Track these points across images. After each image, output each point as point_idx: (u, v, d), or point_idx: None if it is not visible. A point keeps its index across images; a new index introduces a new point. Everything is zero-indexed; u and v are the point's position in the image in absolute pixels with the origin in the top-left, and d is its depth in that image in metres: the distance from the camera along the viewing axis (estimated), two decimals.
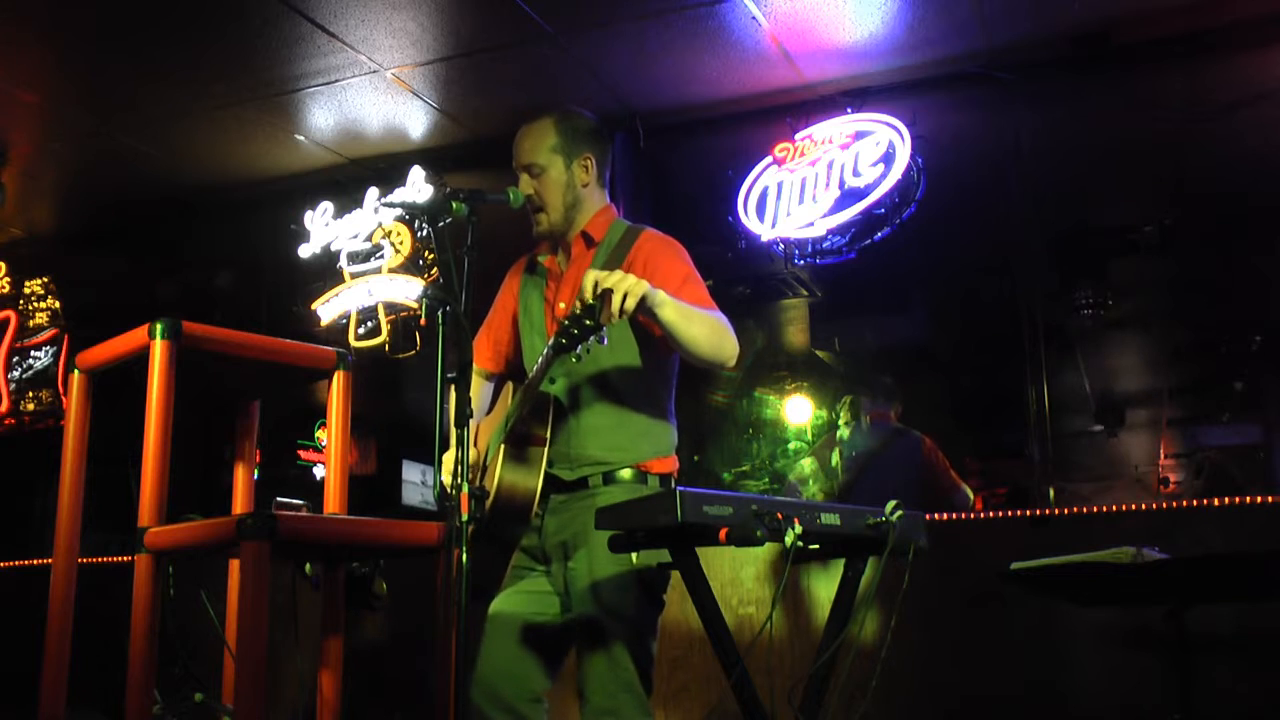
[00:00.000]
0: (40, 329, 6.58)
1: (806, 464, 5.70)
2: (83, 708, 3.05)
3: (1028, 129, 4.78)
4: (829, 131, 4.98)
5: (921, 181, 4.81)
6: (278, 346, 2.65)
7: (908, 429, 5.28)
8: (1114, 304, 5.58)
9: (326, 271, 5.89)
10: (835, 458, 5.46)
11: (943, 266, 5.64)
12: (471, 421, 2.20)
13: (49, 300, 6.60)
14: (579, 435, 2.56)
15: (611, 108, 5.13)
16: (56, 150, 5.68)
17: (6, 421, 6.54)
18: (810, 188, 4.96)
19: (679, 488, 2.02)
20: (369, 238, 5.79)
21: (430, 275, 5.61)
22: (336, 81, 4.99)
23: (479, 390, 2.82)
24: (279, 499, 2.65)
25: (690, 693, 4.17)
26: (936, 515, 3.98)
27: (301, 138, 5.54)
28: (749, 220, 5.08)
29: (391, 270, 5.71)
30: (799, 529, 2.09)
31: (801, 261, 5.07)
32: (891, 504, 2.30)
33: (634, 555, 2.26)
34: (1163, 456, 8.07)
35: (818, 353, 6.97)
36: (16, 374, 6.58)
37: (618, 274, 2.22)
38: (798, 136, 5.04)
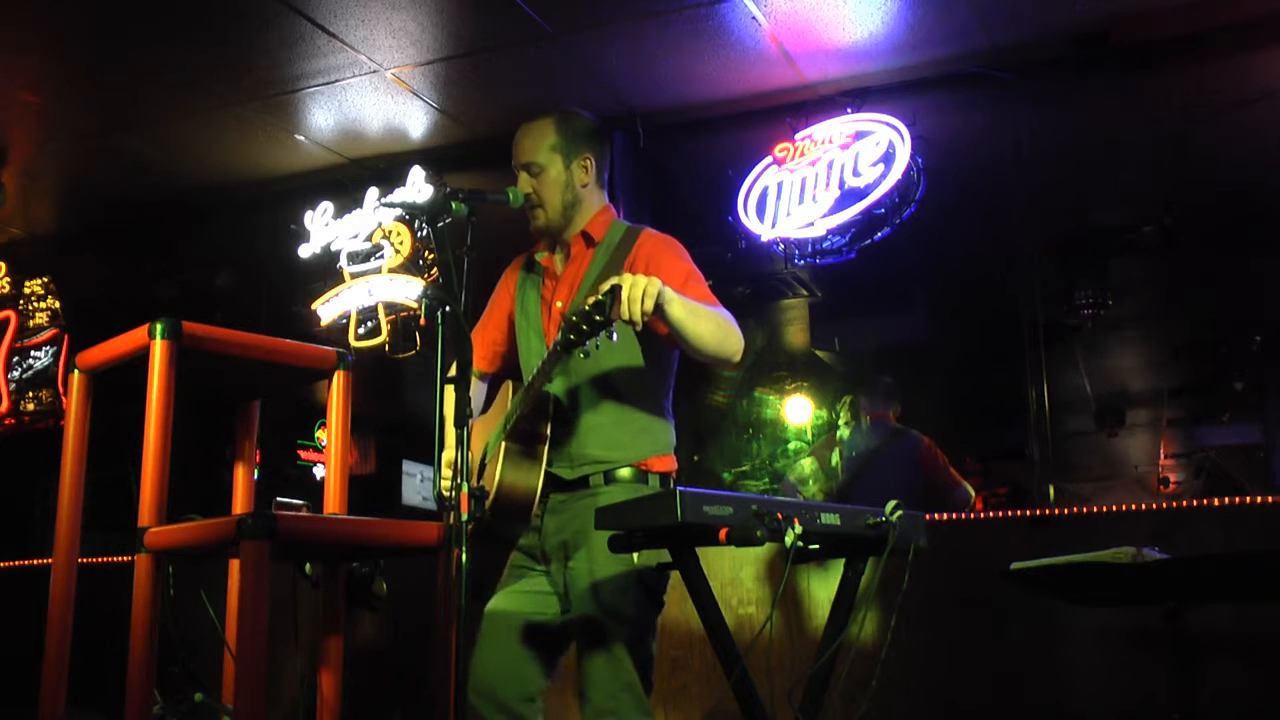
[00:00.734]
0: (40, 329, 6.58)
1: (806, 464, 5.70)
2: (83, 708, 3.05)
3: (1028, 129, 4.78)
4: (829, 131, 4.98)
5: (921, 181, 4.81)
6: (278, 346, 2.65)
7: (906, 429, 5.28)
8: (1114, 304, 5.59)
9: (326, 271, 5.89)
10: (835, 458, 5.46)
11: (943, 267, 5.65)
12: (470, 421, 2.20)
13: (49, 300, 6.59)
14: (579, 434, 2.56)
15: (611, 108, 5.13)
16: (56, 150, 5.68)
17: (6, 421, 6.54)
18: (810, 188, 4.96)
19: (679, 487, 2.02)
20: (369, 238, 5.79)
21: (430, 275, 5.61)
22: (336, 81, 4.99)
23: (474, 390, 2.81)
24: (279, 499, 2.66)
25: (690, 693, 4.17)
26: (936, 515, 3.98)
27: (301, 138, 5.54)
28: (749, 220, 5.08)
29: (391, 270, 5.71)
30: (799, 529, 2.09)
31: (801, 261, 5.07)
32: (891, 504, 2.30)
33: (634, 555, 2.26)
34: (1163, 456, 8.09)
35: (818, 353, 6.98)
36: (16, 374, 6.58)
37: (630, 276, 2.22)
38: (798, 136, 5.04)
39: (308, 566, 2.72)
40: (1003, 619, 3.84)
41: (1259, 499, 3.74)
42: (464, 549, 2.03)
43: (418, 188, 5.58)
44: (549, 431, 2.52)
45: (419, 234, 5.67)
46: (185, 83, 4.99)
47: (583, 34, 4.64)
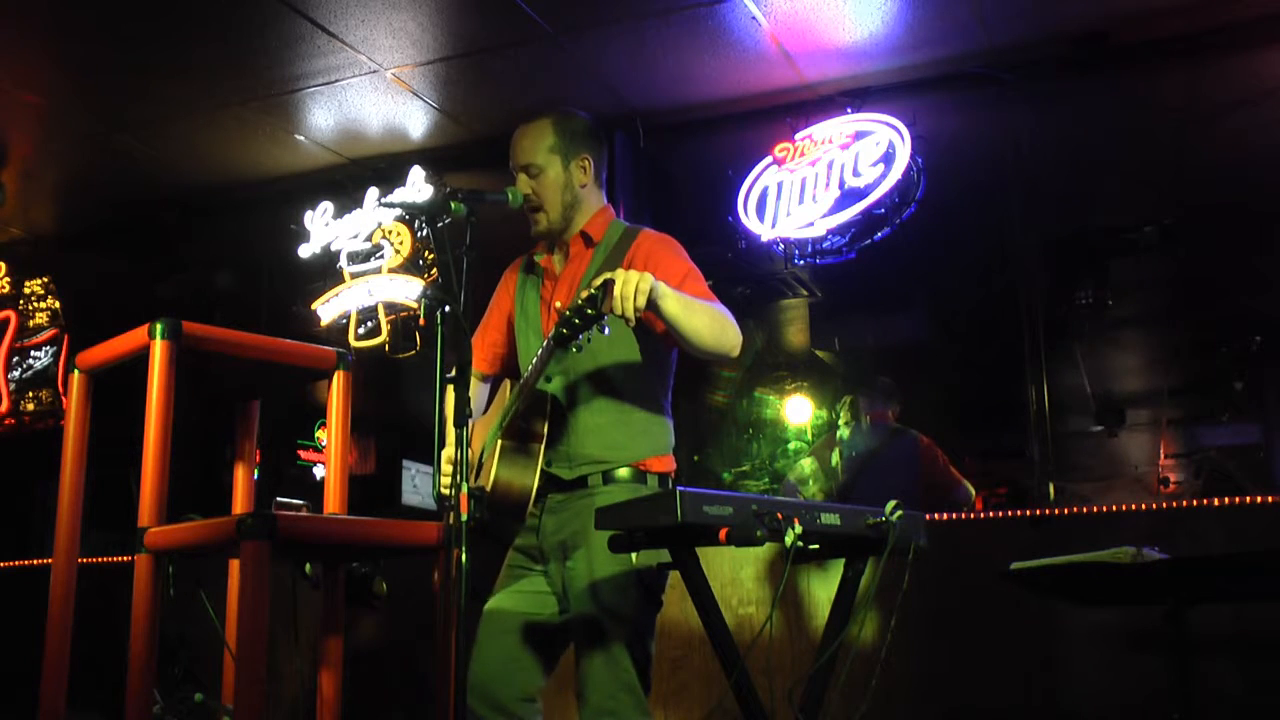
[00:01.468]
0: (40, 329, 6.58)
1: (806, 464, 5.70)
2: (83, 708, 3.05)
3: (1028, 129, 4.78)
4: (829, 131, 4.98)
5: (921, 181, 4.81)
6: (278, 346, 2.65)
7: (906, 429, 5.28)
8: (1114, 304, 5.58)
9: (326, 271, 5.89)
10: (835, 458, 5.46)
11: (942, 267, 5.65)
12: (470, 422, 2.20)
13: (49, 300, 6.59)
14: (577, 434, 2.55)
15: (611, 108, 5.13)
16: (56, 150, 5.68)
17: (6, 421, 6.54)
18: (810, 188, 4.96)
19: (679, 487, 2.02)
20: (369, 238, 5.79)
21: (430, 275, 5.61)
22: (336, 81, 4.99)
23: (475, 392, 2.81)
24: (279, 499, 2.65)
25: (690, 693, 4.17)
26: (936, 515, 3.98)
27: (301, 138, 5.54)
28: (749, 220, 5.08)
29: (391, 270, 5.71)
30: (799, 529, 2.09)
31: (801, 261, 5.07)
32: (891, 504, 2.30)
33: (633, 555, 2.26)
34: (1163, 456, 8.09)
35: (818, 353, 6.98)
36: (16, 374, 6.58)
37: (623, 271, 2.23)
38: (798, 136, 5.04)
39: (308, 566, 2.72)
40: (1002, 619, 3.84)
41: (1259, 499, 3.74)
42: (464, 549, 2.03)
43: (417, 188, 5.59)
44: (546, 430, 2.52)
45: (419, 234, 5.67)
46: (185, 83, 4.99)
47: (583, 34, 4.64)
